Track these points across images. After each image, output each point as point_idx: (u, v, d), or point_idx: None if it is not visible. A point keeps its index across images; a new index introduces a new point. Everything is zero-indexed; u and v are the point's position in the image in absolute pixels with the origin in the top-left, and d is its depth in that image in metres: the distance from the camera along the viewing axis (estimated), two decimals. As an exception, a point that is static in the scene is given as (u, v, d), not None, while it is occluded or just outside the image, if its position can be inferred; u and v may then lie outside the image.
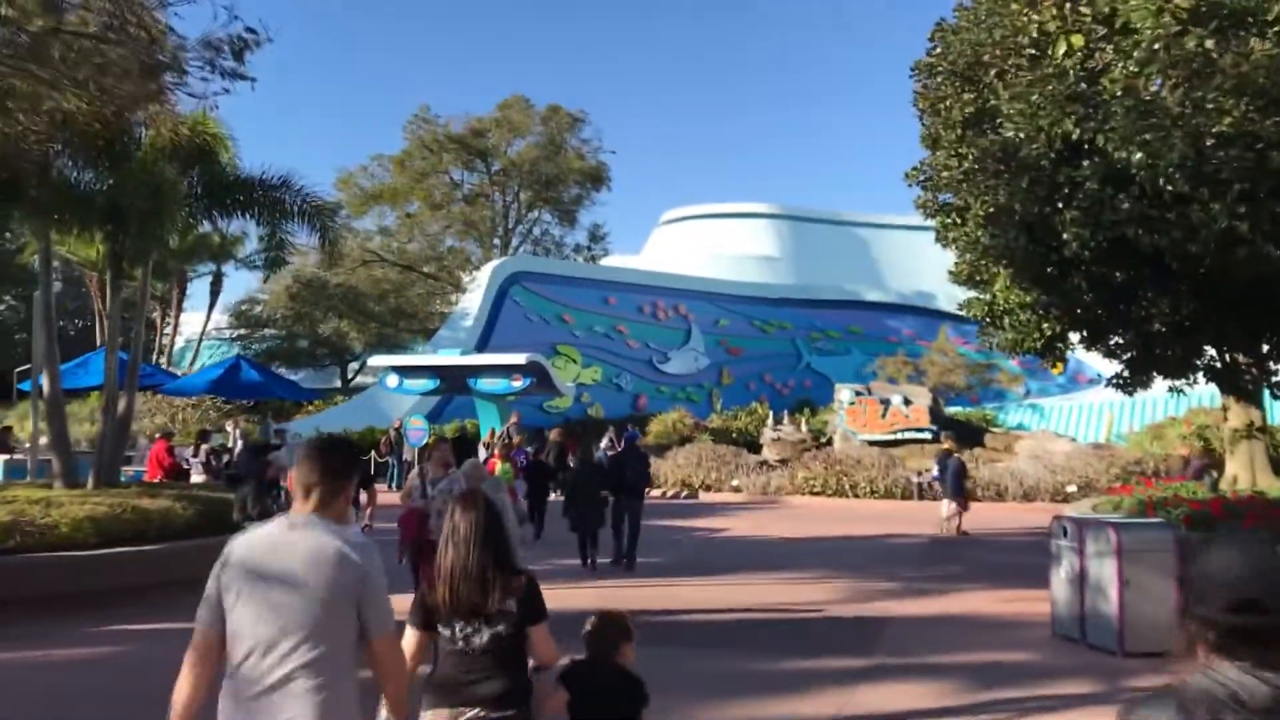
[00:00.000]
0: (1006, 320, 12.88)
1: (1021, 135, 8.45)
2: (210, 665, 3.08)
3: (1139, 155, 7.49)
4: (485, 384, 28.08)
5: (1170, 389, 14.72)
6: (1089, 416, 34.13)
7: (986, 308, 12.00)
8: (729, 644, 9.20)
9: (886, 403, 28.94)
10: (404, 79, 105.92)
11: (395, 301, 45.34)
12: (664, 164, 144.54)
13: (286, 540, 3.08)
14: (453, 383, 28.90)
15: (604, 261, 49.93)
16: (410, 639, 3.60)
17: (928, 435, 27.71)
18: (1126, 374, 14.35)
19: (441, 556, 3.64)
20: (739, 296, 46.75)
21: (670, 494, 25.91)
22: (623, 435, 23.78)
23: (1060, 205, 8.18)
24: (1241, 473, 12.14)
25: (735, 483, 25.05)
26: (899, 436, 28.20)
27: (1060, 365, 44.26)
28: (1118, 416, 32.06)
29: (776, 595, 11.57)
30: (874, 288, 50.81)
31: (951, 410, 32.49)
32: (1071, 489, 21.85)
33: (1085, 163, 8.21)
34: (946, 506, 17.31)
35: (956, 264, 12.73)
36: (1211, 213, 7.35)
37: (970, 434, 28.62)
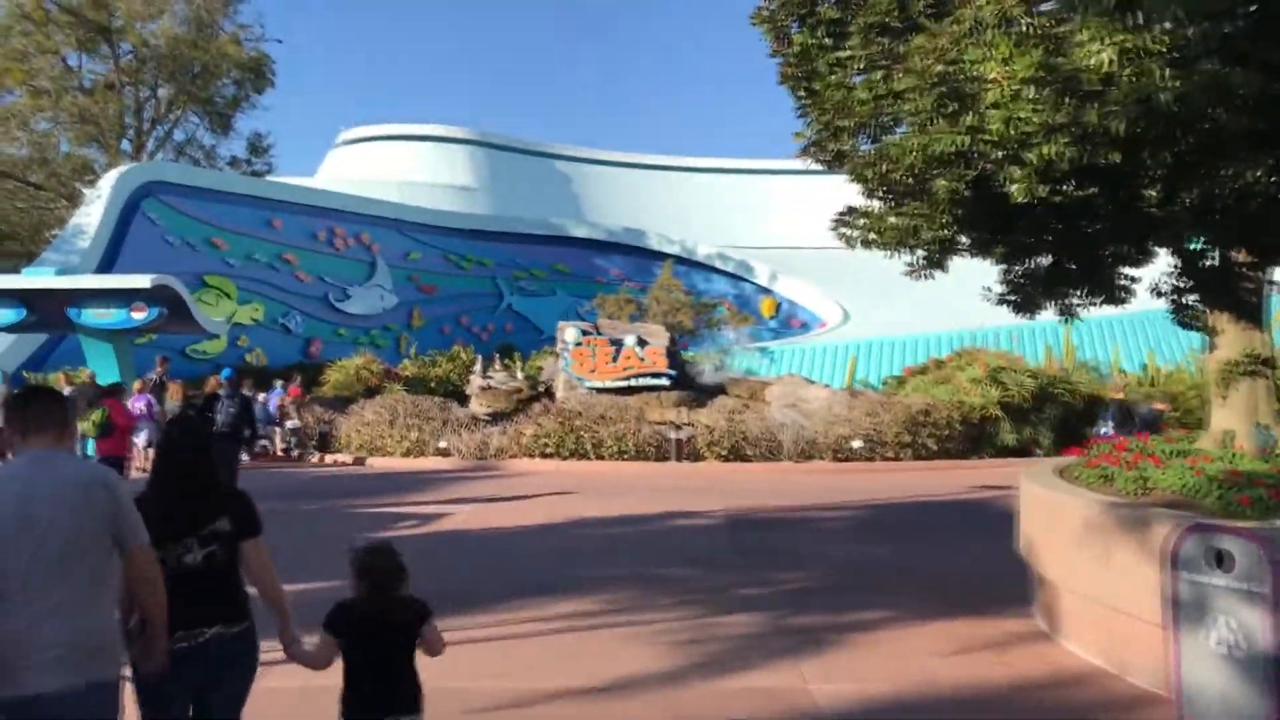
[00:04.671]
0: (912, 203, 8.26)
1: None
2: None
3: None
4: (94, 316, 20.46)
5: (1061, 312, 10.85)
6: (824, 360, 31.41)
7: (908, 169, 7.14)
8: None
9: (619, 344, 24.17)
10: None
11: (-14, 217, 35.13)
12: (343, 79, 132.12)
13: (35, 474, 3.16)
14: (47, 314, 20.96)
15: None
16: None
17: (665, 381, 23.39)
18: (1026, 289, 10.33)
19: (152, 479, 3.65)
20: (433, 226, 40.48)
21: (350, 460, 19.85)
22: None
23: None
24: (1240, 424, 8.22)
25: (443, 444, 19.39)
26: (633, 383, 23.65)
27: (775, 308, 41.82)
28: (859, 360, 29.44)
29: (570, 663, 6.29)
30: (581, 224, 46.21)
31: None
32: (856, 444, 18.15)
33: None
34: None
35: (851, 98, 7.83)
36: None
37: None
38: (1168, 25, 5.53)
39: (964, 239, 9.51)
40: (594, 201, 50.35)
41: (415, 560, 8.13)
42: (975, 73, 6.07)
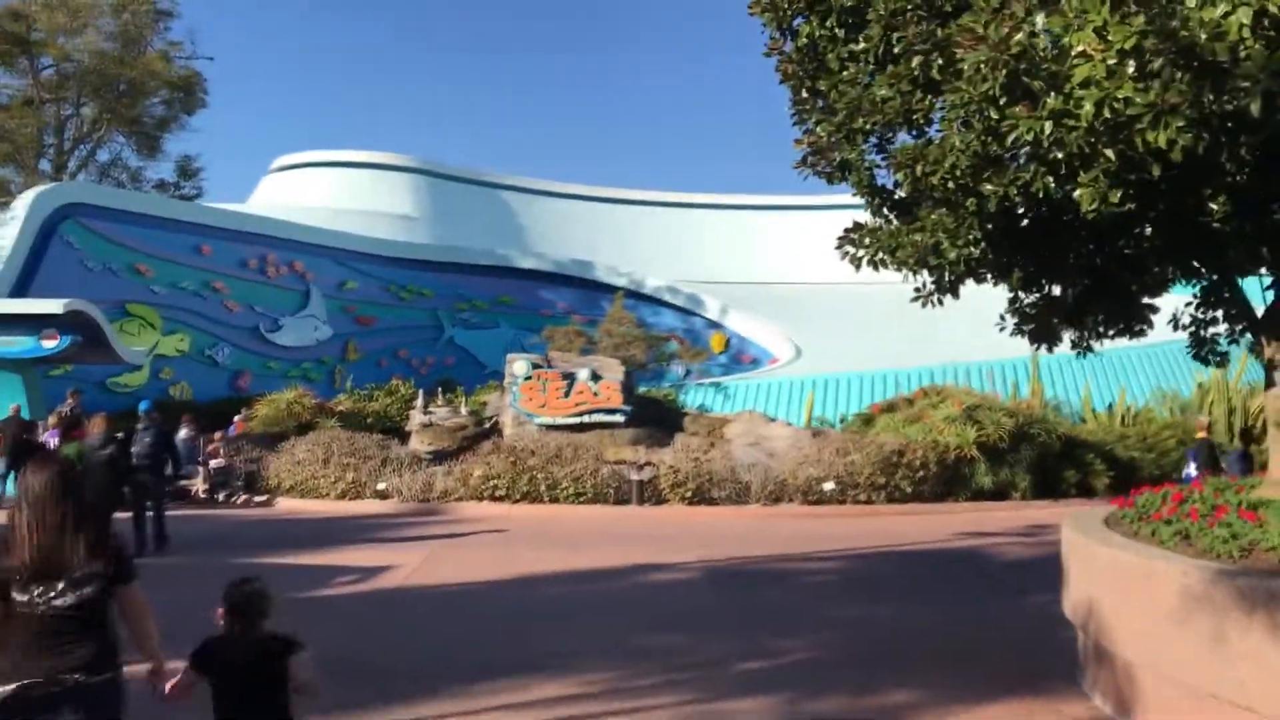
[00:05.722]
0: (935, 215, 7.28)
1: None
2: None
3: None
4: (-1, 344, 18.73)
5: (1074, 345, 9.90)
6: (779, 397, 30.44)
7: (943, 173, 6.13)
8: None
9: (571, 378, 22.89)
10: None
11: (-111, 240, 32.67)
12: (280, 105, 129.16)
13: None
14: (-54, 343, 19.17)
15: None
16: None
17: (620, 418, 22.18)
18: (1043, 318, 9.40)
19: (16, 518, 3.46)
20: (371, 255, 38.83)
21: (280, 504, 18.25)
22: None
23: None
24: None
25: (383, 485, 17.88)
26: (586, 420, 22.40)
27: (723, 342, 40.89)
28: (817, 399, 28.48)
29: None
30: (527, 255, 44.90)
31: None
32: (829, 486, 17.04)
33: None
34: None
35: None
36: None
37: (665, 416, 23.50)
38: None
39: (988, 259, 8.51)
40: (540, 233, 49.07)
41: (354, 628, 6.72)
42: (1053, 48, 5.01)
